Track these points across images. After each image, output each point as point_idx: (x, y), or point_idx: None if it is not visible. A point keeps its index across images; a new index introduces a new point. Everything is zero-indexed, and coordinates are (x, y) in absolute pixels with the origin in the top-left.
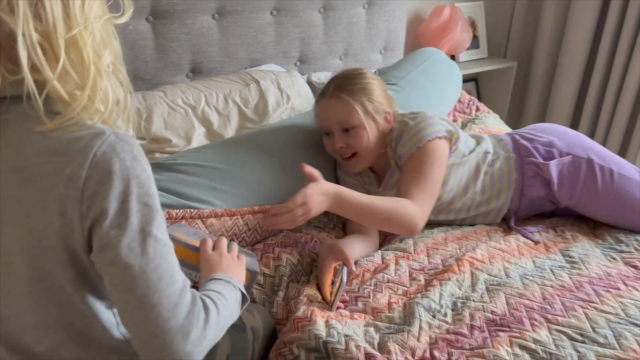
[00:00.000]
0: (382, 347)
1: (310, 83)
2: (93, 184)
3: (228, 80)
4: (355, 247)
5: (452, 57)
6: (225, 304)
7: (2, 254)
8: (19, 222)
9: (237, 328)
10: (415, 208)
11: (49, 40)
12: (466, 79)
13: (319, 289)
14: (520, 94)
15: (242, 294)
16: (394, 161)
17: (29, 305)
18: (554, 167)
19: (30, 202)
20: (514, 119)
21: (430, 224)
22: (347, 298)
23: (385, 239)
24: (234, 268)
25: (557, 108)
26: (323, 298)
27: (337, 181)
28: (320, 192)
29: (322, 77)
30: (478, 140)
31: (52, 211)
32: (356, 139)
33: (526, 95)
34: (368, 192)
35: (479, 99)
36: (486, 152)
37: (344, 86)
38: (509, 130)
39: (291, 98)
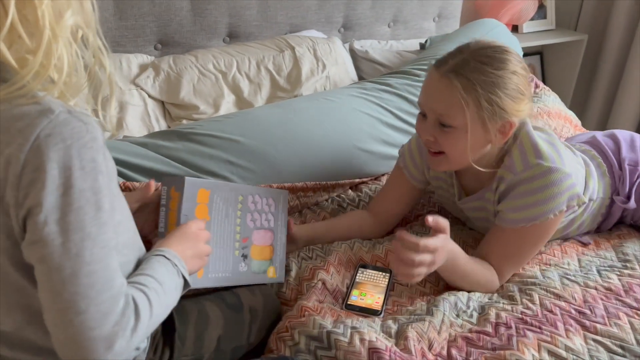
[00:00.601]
0: (400, 334)
1: (352, 50)
2: (31, 170)
3: (262, 46)
4: (354, 225)
5: (515, 28)
6: (162, 298)
7: None
8: None
9: (232, 307)
10: (498, 284)
11: None
12: (530, 52)
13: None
14: (589, 71)
15: (185, 281)
16: (497, 196)
17: None
18: None
19: None
20: (580, 99)
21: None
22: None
23: (407, 225)
24: (193, 250)
25: (630, 89)
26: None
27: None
28: (448, 249)
29: (367, 45)
30: (585, 180)
31: None
32: (449, 140)
33: (596, 73)
34: (447, 199)
35: (543, 75)
36: (590, 200)
37: (469, 68)
38: (570, 113)
39: (327, 66)
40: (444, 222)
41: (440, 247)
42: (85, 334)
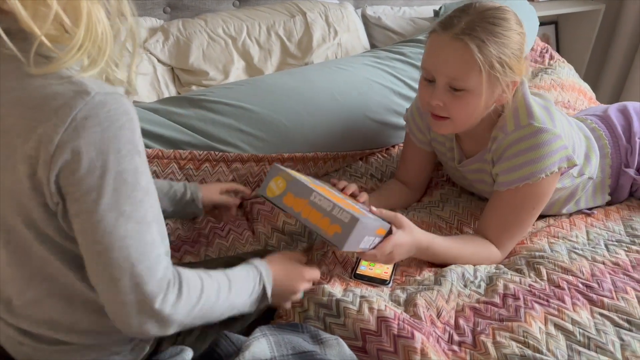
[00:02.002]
0: (409, 302)
1: (364, 16)
2: (66, 151)
3: (273, 11)
4: (395, 195)
5: None
6: (223, 293)
7: None
8: None
9: None
10: (500, 256)
11: None
12: (545, 22)
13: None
14: (605, 41)
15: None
16: (491, 156)
17: (4, 258)
18: None
19: None
20: (595, 70)
21: (472, 194)
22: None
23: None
24: (289, 279)
25: None
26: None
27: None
28: (410, 243)
29: (380, 11)
30: (587, 153)
31: (21, 171)
32: (460, 105)
33: (612, 44)
34: (445, 163)
35: (558, 44)
36: (590, 178)
37: (480, 29)
38: (584, 85)
39: (339, 33)
40: (400, 217)
41: (398, 243)
42: (118, 297)
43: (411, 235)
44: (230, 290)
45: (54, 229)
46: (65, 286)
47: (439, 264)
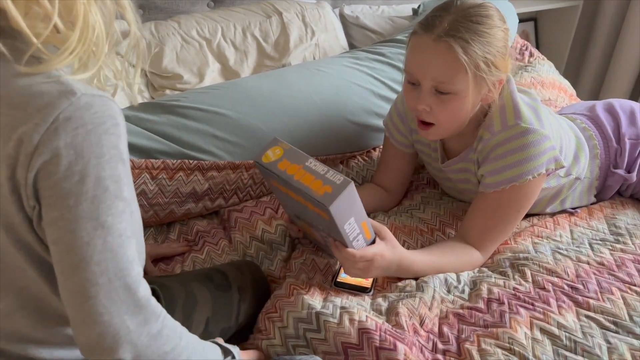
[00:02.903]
0: (391, 310)
1: (342, 16)
2: (46, 152)
3: (248, 11)
4: (371, 198)
5: None
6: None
7: None
8: None
9: (220, 287)
10: (482, 259)
11: None
12: (524, 19)
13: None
14: (583, 37)
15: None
16: (476, 156)
17: None
18: None
19: None
20: (574, 66)
21: (453, 197)
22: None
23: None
24: None
25: (624, 55)
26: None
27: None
28: (390, 258)
29: (358, 10)
30: (576, 154)
31: (1, 174)
32: (447, 108)
33: (591, 39)
34: (429, 164)
35: (537, 41)
36: (577, 179)
37: (463, 28)
38: (565, 83)
39: (316, 33)
40: (384, 229)
41: (382, 255)
42: (93, 318)
43: (393, 251)
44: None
45: (33, 237)
46: (38, 299)
47: None
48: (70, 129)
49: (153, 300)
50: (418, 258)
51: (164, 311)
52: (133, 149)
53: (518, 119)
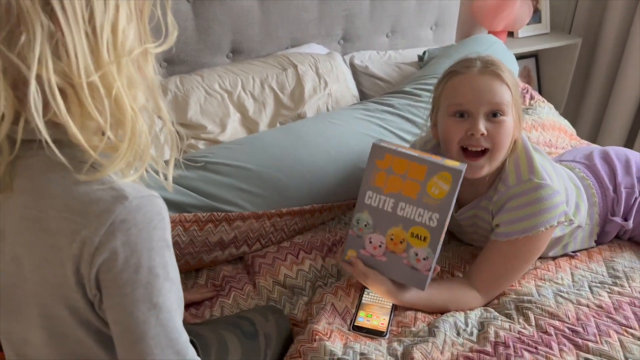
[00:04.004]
0: (406, 355)
1: (352, 65)
2: (104, 252)
3: (266, 64)
4: None
5: (510, 34)
6: None
7: (21, 290)
8: (36, 269)
9: (248, 335)
10: (480, 302)
11: (71, 82)
12: (525, 55)
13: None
14: (583, 73)
15: None
16: (492, 207)
17: (42, 339)
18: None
19: (46, 252)
20: (575, 100)
21: (460, 240)
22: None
23: None
24: None
25: (623, 91)
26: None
27: None
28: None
29: (366, 58)
30: (577, 203)
31: (67, 269)
32: (503, 129)
33: (590, 75)
34: None
35: (539, 77)
36: (578, 227)
37: (494, 66)
38: (564, 123)
39: (329, 84)
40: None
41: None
42: None
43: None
44: None
45: (95, 316)
46: None
47: (431, 313)
48: (125, 229)
49: (197, 358)
50: (415, 297)
51: None
52: (169, 204)
53: (532, 174)
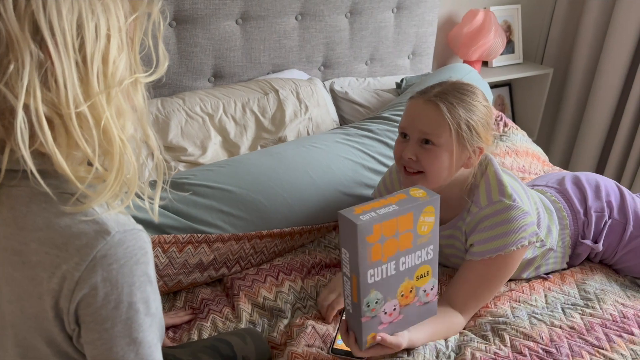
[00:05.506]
0: None
1: (332, 91)
2: (85, 286)
3: (247, 89)
4: None
5: (485, 64)
6: None
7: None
8: (14, 301)
9: (226, 358)
10: (463, 323)
11: (59, 112)
12: (499, 84)
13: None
14: (555, 101)
15: None
16: (465, 227)
17: None
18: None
19: (25, 285)
20: (547, 127)
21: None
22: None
23: None
24: None
25: (594, 119)
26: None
27: None
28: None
29: (346, 84)
30: (549, 226)
31: (46, 302)
32: (430, 157)
33: (561, 103)
34: None
35: (512, 105)
36: (550, 249)
37: (449, 96)
38: (537, 150)
39: (309, 108)
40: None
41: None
42: None
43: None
44: None
45: (73, 349)
46: None
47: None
48: (106, 265)
49: None
50: (421, 336)
51: None
52: (148, 225)
53: (502, 196)
